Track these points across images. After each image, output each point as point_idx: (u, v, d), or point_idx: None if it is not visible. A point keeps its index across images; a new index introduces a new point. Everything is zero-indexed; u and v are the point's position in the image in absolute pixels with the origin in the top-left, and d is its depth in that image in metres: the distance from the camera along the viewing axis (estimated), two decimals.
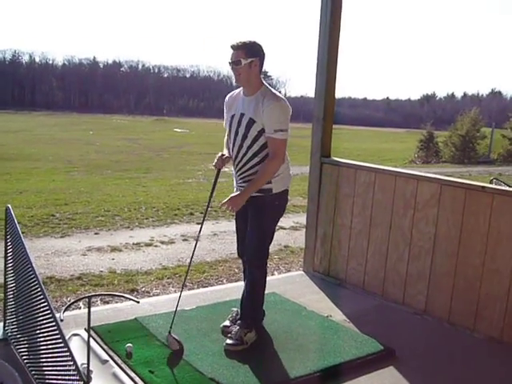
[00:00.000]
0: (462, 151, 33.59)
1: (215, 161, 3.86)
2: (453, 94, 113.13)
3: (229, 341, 3.76)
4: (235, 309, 4.16)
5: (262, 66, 3.71)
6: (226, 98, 3.93)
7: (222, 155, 3.87)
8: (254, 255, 3.86)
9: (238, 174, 3.84)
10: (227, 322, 4.06)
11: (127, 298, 3.13)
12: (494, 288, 4.09)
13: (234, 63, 3.64)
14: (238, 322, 3.90)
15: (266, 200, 3.75)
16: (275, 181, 3.73)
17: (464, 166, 29.31)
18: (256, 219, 3.81)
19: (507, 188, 4.45)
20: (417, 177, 4.66)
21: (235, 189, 3.91)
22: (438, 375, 3.61)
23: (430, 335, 4.26)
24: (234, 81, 3.76)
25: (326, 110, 5.13)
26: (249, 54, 3.61)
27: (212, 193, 3.97)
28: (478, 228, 4.15)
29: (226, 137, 3.99)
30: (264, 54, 3.71)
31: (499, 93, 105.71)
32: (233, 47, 3.64)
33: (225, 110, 3.92)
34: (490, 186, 4.50)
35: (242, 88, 3.81)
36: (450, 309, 4.36)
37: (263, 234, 3.84)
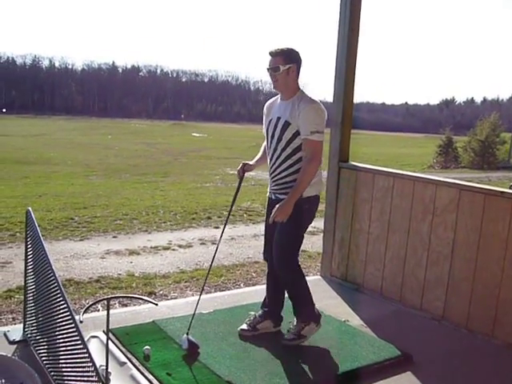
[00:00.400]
0: (482, 156, 33.39)
1: (238, 169, 3.99)
2: (472, 98, 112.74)
3: (286, 336, 3.88)
4: (253, 313, 4.18)
5: (299, 72, 3.79)
6: (266, 104, 4.01)
7: (244, 164, 3.96)
8: (280, 260, 3.85)
9: (272, 176, 3.89)
10: (245, 326, 4.07)
11: (145, 300, 3.17)
12: None
13: (273, 69, 3.73)
14: (295, 318, 3.95)
15: (296, 204, 3.70)
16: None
17: (483, 171, 29.12)
18: (284, 224, 3.75)
19: None
20: (435, 182, 4.64)
21: (268, 193, 3.97)
22: (456, 381, 3.58)
23: (447, 341, 4.23)
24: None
25: (345, 115, 5.13)
26: (287, 60, 3.70)
27: (234, 199, 4.04)
28: (497, 234, 4.12)
29: (263, 144, 4.06)
30: (301, 60, 3.79)
31: None
32: (271, 54, 3.73)
33: (264, 117, 3.98)
34: (510, 191, 4.46)
35: (279, 95, 3.87)
36: (469, 315, 4.32)
37: (290, 239, 3.82)
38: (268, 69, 3.76)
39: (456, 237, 4.38)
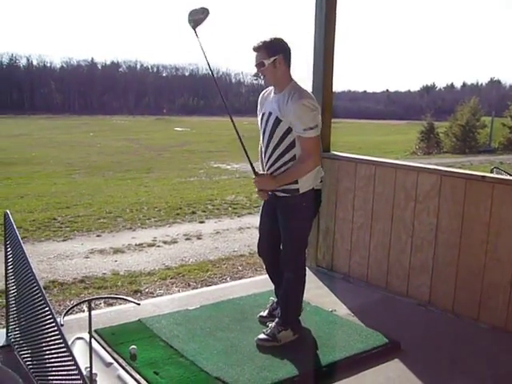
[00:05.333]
0: (463, 141, 33.59)
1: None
2: (452, 84, 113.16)
3: (261, 335, 3.77)
4: (273, 298, 4.16)
5: (289, 62, 3.61)
6: (261, 94, 3.85)
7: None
8: (286, 258, 3.81)
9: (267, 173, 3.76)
10: (264, 313, 4.12)
11: (127, 300, 3.15)
12: (497, 277, 4.07)
13: (258, 65, 3.58)
14: (276, 319, 3.86)
15: (293, 202, 3.64)
16: (302, 180, 3.61)
17: (465, 155, 29.32)
18: (285, 222, 3.72)
19: (507, 177, 4.44)
20: (417, 168, 4.64)
21: None
22: (444, 366, 3.59)
23: (434, 326, 4.24)
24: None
25: (324, 104, 5.10)
26: (270, 52, 3.52)
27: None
28: (480, 218, 4.13)
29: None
30: (288, 49, 3.60)
31: (498, 81, 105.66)
32: (254, 49, 3.57)
33: (258, 107, 3.83)
34: (490, 175, 4.48)
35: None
36: (454, 299, 4.34)
37: (293, 237, 3.75)
38: (255, 65, 3.60)
39: (439, 222, 4.40)
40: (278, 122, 3.56)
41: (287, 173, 3.60)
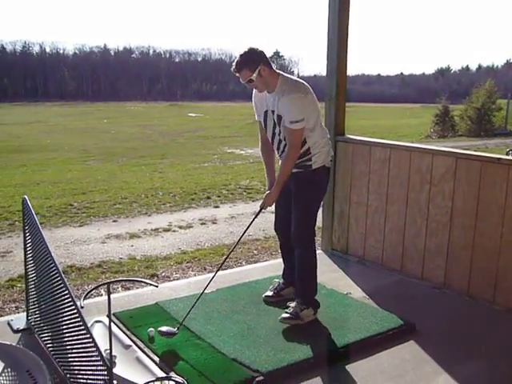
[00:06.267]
0: (478, 124, 33.27)
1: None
2: (467, 66, 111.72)
3: (284, 314, 3.85)
4: (277, 280, 4.32)
5: (269, 63, 3.73)
6: (253, 95, 3.96)
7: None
8: (296, 234, 3.92)
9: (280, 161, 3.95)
10: (269, 293, 4.23)
11: (146, 282, 3.17)
12: None
13: (247, 83, 3.72)
14: (296, 299, 3.95)
15: (306, 176, 3.85)
16: (315, 157, 3.83)
17: (480, 138, 29.06)
18: (297, 196, 3.89)
19: None
20: (432, 151, 4.63)
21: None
22: (459, 348, 3.61)
23: (449, 309, 4.25)
24: None
25: (339, 88, 5.10)
26: (252, 67, 3.64)
27: (247, 229, 4.07)
28: (495, 200, 4.12)
29: (259, 136, 4.09)
30: (265, 55, 3.73)
31: None
32: (236, 71, 3.69)
33: (254, 107, 4.00)
34: (506, 157, 4.47)
35: None
36: (469, 282, 4.35)
37: (305, 212, 3.90)
38: (244, 83, 3.74)
39: (454, 205, 4.39)
40: (280, 118, 3.75)
41: (279, 176, 3.83)
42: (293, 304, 3.90)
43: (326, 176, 3.98)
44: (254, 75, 3.65)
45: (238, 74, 3.69)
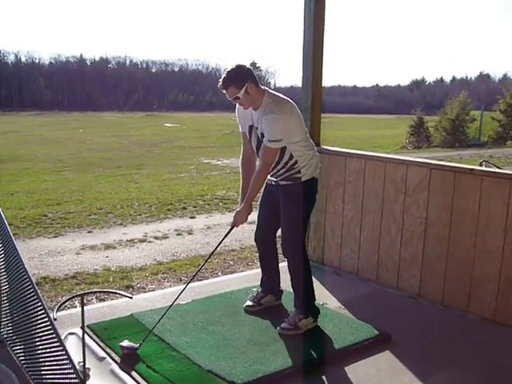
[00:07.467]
0: (453, 135, 33.69)
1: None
2: (442, 78, 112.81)
3: (283, 324, 3.87)
4: (255, 289, 4.37)
5: (256, 82, 3.73)
6: (236, 109, 3.98)
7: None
8: (286, 245, 3.95)
9: (271, 176, 3.96)
10: (250, 302, 4.25)
11: (120, 294, 3.15)
12: (486, 269, 4.12)
13: (234, 100, 3.73)
14: (295, 308, 3.98)
15: (296, 188, 3.87)
16: (304, 169, 3.85)
17: (455, 149, 29.41)
18: (285, 208, 3.92)
19: (496, 170, 4.48)
20: (406, 162, 4.68)
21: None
22: (434, 357, 3.63)
23: (424, 318, 4.28)
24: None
25: (314, 99, 5.13)
26: (239, 84, 3.65)
27: (218, 245, 4.16)
28: (468, 210, 4.17)
29: (242, 148, 4.09)
30: (252, 72, 3.74)
31: (487, 75, 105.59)
32: (222, 88, 3.69)
33: (238, 120, 4.02)
34: (479, 168, 4.52)
35: None
36: (444, 291, 4.39)
37: (293, 224, 3.91)
38: (230, 100, 3.74)
39: (428, 215, 4.44)
40: (262, 135, 3.76)
41: (249, 192, 3.81)
42: (292, 313, 3.95)
43: (315, 187, 4.00)
44: (241, 92, 3.65)
45: (224, 91, 3.70)
